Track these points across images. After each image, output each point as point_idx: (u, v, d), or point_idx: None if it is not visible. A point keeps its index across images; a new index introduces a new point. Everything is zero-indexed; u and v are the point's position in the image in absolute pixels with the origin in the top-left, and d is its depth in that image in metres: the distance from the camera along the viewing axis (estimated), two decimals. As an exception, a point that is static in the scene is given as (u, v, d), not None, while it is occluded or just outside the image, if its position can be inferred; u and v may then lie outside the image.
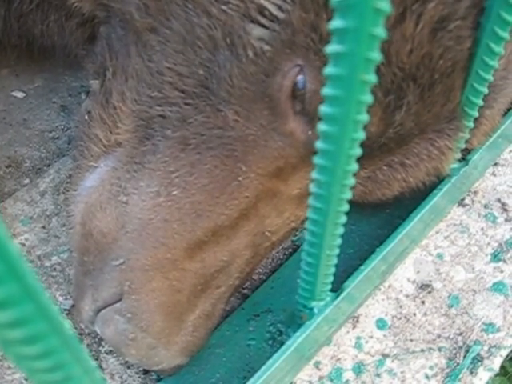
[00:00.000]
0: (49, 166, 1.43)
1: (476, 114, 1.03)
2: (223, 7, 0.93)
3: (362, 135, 0.65)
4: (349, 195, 0.74)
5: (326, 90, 0.60)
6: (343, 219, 0.79)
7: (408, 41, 0.88)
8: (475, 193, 1.36)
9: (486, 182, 1.38)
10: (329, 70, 0.58)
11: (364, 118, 0.63)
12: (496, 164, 1.41)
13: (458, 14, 0.88)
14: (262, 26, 0.91)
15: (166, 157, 0.99)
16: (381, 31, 0.54)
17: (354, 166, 0.69)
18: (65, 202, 1.28)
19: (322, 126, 0.64)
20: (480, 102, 1.00)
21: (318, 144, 0.67)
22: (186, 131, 0.98)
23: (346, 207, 0.76)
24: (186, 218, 0.97)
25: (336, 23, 0.54)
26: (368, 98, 0.61)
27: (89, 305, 1.00)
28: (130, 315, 0.93)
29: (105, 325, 0.97)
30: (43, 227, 1.29)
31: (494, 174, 1.39)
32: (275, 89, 0.93)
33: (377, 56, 0.56)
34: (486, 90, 0.99)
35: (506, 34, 0.90)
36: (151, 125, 1.02)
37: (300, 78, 0.91)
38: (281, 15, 0.89)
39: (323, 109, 0.62)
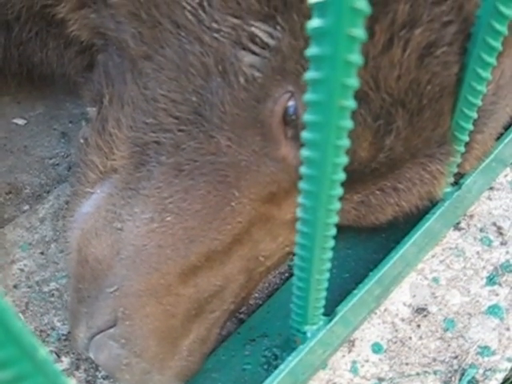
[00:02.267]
0: (49, 192, 1.44)
1: (466, 138, 1.04)
2: (215, 35, 0.95)
3: (344, 160, 0.66)
4: (335, 219, 0.75)
5: (307, 116, 0.61)
6: (331, 243, 0.80)
7: (396, 67, 0.89)
8: (471, 217, 1.36)
9: (482, 205, 1.39)
10: (308, 96, 0.59)
11: (345, 143, 0.63)
12: (491, 188, 1.42)
13: (444, 40, 0.90)
14: (253, 53, 0.93)
15: (160, 183, 1.01)
16: (356, 58, 0.55)
17: (339, 191, 0.70)
18: (63, 228, 1.28)
19: (304, 152, 0.65)
20: (470, 127, 1.02)
21: (302, 169, 0.68)
22: (180, 157, 1.00)
23: (332, 231, 0.77)
24: (179, 243, 0.98)
25: (312, 50, 0.55)
26: (348, 124, 0.62)
27: (84, 332, 1.01)
28: (123, 340, 0.94)
29: (99, 350, 0.97)
30: (42, 253, 1.31)
31: (489, 198, 1.40)
32: (267, 115, 0.94)
33: (354, 82, 0.57)
34: (475, 115, 1.00)
35: (492, 60, 0.91)
36: (146, 151, 1.03)
37: (291, 103, 0.93)
38: (271, 42, 0.91)
39: (305, 135, 0.63)
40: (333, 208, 0.72)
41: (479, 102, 0.98)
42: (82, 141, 1.16)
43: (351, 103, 0.60)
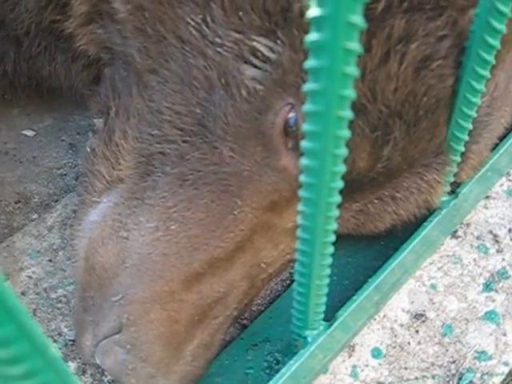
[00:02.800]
0: (56, 201, 1.46)
1: (462, 148, 1.05)
2: (218, 49, 0.96)
3: (342, 168, 0.67)
4: (334, 226, 0.76)
5: (306, 126, 0.63)
6: (330, 250, 0.81)
7: (393, 79, 0.90)
8: (468, 225, 1.37)
9: (478, 214, 1.40)
10: (307, 107, 0.61)
11: (343, 152, 0.65)
12: (488, 197, 1.43)
13: (439, 53, 0.91)
14: (255, 66, 0.94)
15: (165, 192, 1.02)
16: (353, 70, 0.57)
17: (337, 198, 0.71)
18: (71, 236, 1.30)
19: (303, 161, 0.66)
20: (466, 138, 1.03)
21: (302, 178, 0.69)
22: (184, 167, 1.01)
23: (332, 238, 0.78)
24: (183, 251, 0.99)
25: (310, 63, 0.57)
26: (345, 134, 0.63)
27: (90, 340, 1.01)
28: (129, 346, 0.95)
29: (105, 355, 0.98)
30: (50, 260, 1.32)
31: (485, 207, 1.41)
32: (268, 126, 0.96)
33: (350, 93, 0.59)
34: (470, 126, 1.01)
35: (486, 73, 0.92)
36: (151, 161, 1.04)
37: (291, 115, 0.94)
38: (272, 56, 0.93)
39: (304, 144, 0.65)
40: (332, 215, 0.73)
41: (474, 114, 0.99)
42: (89, 151, 1.17)
43: (348, 114, 0.61)
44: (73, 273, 1.29)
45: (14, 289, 1.26)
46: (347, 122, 0.63)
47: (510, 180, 1.47)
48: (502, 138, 1.30)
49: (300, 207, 0.74)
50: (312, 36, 0.56)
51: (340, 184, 0.70)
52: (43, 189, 1.50)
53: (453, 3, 0.91)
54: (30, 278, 1.28)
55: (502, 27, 0.86)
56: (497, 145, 1.29)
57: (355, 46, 0.55)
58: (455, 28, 0.92)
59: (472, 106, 0.97)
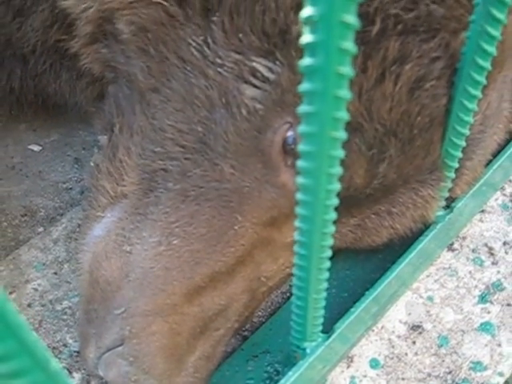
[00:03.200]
0: (62, 215, 1.47)
1: (456, 165, 1.06)
2: (219, 69, 0.98)
3: (336, 186, 0.69)
4: (330, 242, 0.77)
5: (301, 147, 0.65)
6: (327, 264, 0.82)
7: (388, 99, 0.92)
8: (464, 238, 1.39)
9: (474, 227, 1.41)
10: (302, 128, 0.63)
11: (337, 171, 0.66)
12: (483, 211, 1.44)
13: (433, 74, 0.93)
14: (255, 86, 0.96)
15: (168, 208, 1.03)
16: (345, 93, 0.58)
17: (332, 215, 0.73)
18: (76, 249, 1.31)
19: (299, 179, 0.68)
20: (459, 155, 1.04)
21: (298, 195, 0.71)
22: (186, 184, 1.02)
23: (328, 253, 0.80)
24: (185, 265, 1.00)
25: (304, 86, 0.59)
26: (339, 153, 0.65)
27: (93, 352, 1.02)
28: (132, 358, 0.96)
29: (108, 367, 1.00)
30: (55, 273, 1.33)
31: (481, 221, 1.42)
32: (267, 144, 0.97)
33: (344, 115, 0.60)
34: (464, 143, 1.02)
35: (477, 93, 0.94)
36: (154, 178, 1.06)
37: (290, 134, 0.96)
38: (271, 76, 0.94)
39: (300, 163, 0.67)
40: (327, 231, 0.75)
41: (467, 132, 1.00)
42: (93, 167, 1.19)
43: (342, 134, 0.63)
44: (78, 285, 1.30)
45: (20, 301, 1.28)
46: (341, 142, 0.64)
47: (504, 194, 1.48)
48: (496, 154, 1.32)
49: (297, 224, 0.76)
50: (306, 61, 0.58)
51: (335, 201, 0.71)
52: (49, 202, 1.51)
53: (445, 26, 0.93)
54: (36, 290, 1.30)
55: (492, 50, 0.88)
56: (491, 160, 1.30)
57: (347, 70, 0.57)
58: (448, 50, 0.94)
59: (465, 124, 0.98)
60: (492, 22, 0.85)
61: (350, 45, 0.56)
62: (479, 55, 0.89)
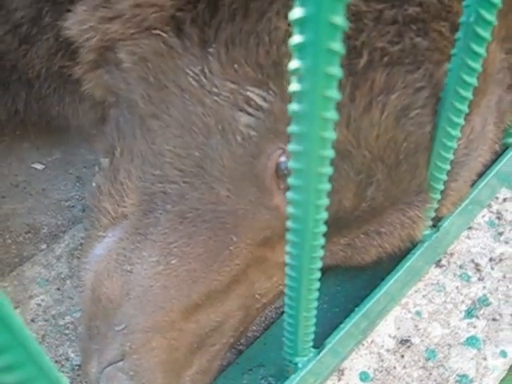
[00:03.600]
0: (64, 232, 1.50)
1: (442, 187, 1.10)
2: (215, 98, 1.01)
3: (324, 215, 0.72)
4: (319, 264, 0.81)
5: (290, 180, 0.68)
6: (316, 285, 0.86)
7: (375, 127, 0.96)
8: (451, 254, 1.42)
9: (461, 244, 1.44)
10: (291, 147, 0.66)
11: (325, 202, 0.70)
12: (470, 228, 1.47)
13: (418, 103, 0.97)
14: (249, 114, 0.99)
15: (166, 229, 1.06)
16: (332, 114, 0.61)
17: (321, 241, 0.76)
18: (78, 266, 1.34)
19: (289, 209, 0.72)
20: (444, 177, 1.07)
21: (288, 223, 0.74)
22: (184, 206, 1.05)
23: (317, 275, 0.83)
24: (183, 283, 1.03)
25: (293, 107, 0.63)
26: (326, 186, 0.69)
27: (95, 367, 1.05)
28: (132, 373, 0.99)
29: (109, 382, 1.02)
30: (58, 289, 1.36)
31: (468, 237, 1.45)
32: (261, 169, 1.01)
33: (331, 135, 0.63)
34: (448, 167, 1.06)
35: (460, 120, 0.98)
36: (154, 200, 1.09)
37: (282, 159, 0.99)
38: (265, 105, 0.98)
39: (289, 195, 0.70)
40: (316, 255, 0.78)
41: (451, 156, 1.04)
42: (95, 187, 1.22)
43: (330, 152, 0.66)
44: (79, 301, 1.33)
45: (24, 316, 1.31)
46: (329, 159, 0.68)
47: (491, 211, 1.51)
48: (483, 173, 1.35)
49: (287, 248, 0.79)
50: (293, 86, 0.61)
51: (323, 229, 0.75)
52: (52, 220, 1.54)
53: (429, 57, 0.97)
54: (39, 305, 1.33)
55: (473, 81, 0.91)
56: (478, 178, 1.33)
57: (333, 93, 0.60)
58: (432, 80, 0.97)
59: (449, 149, 1.02)
60: (472, 56, 0.88)
61: (336, 70, 0.59)
62: (461, 86, 0.92)
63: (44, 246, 1.49)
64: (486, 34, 0.85)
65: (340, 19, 0.54)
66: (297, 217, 0.72)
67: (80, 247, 1.43)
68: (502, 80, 1.18)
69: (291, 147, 0.66)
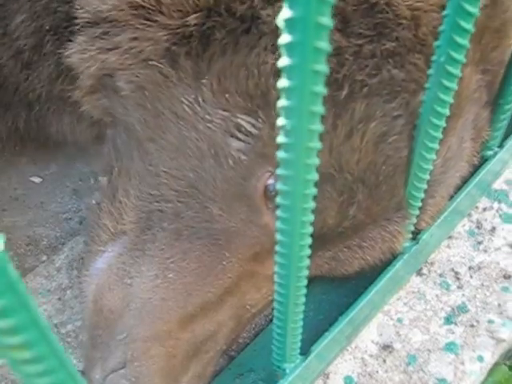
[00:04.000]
0: (63, 244, 1.59)
1: (419, 204, 1.19)
2: (208, 124, 1.11)
3: (309, 230, 0.81)
4: (305, 273, 0.90)
5: (279, 199, 0.78)
6: (302, 300, 0.96)
7: (356, 152, 1.05)
8: (431, 263, 1.50)
9: (442, 253, 1.52)
10: (280, 171, 0.75)
11: (309, 218, 0.79)
12: (450, 237, 1.55)
13: (395, 130, 1.07)
14: (240, 140, 1.08)
15: (163, 245, 1.15)
16: (316, 144, 0.70)
17: (307, 252, 0.85)
18: (77, 277, 1.43)
19: (278, 224, 0.81)
20: (422, 195, 1.16)
21: (277, 236, 0.83)
22: (180, 224, 1.15)
23: (304, 282, 0.92)
24: (179, 296, 1.13)
25: (280, 139, 0.72)
26: (311, 218, 0.78)
27: (99, 374, 1.14)
28: (133, 379, 1.08)
29: None
30: (59, 299, 1.45)
31: (448, 247, 1.54)
32: (251, 190, 1.10)
33: (315, 161, 0.72)
34: (425, 186, 1.15)
35: (435, 145, 1.07)
36: (151, 217, 1.18)
37: (271, 181, 1.08)
38: (254, 131, 1.07)
39: (277, 212, 0.80)
40: (303, 265, 0.86)
41: (428, 177, 1.13)
42: (95, 205, 1.31)
43: (315, 176, 0.74)
44: (80, 309, 1.41)
45: None
46: (312, 197, 0.77)
47: (471, 221, 1.60)
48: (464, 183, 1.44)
49: (275, 268, 0.89)
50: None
51: (308, 241, 0.83)
52: (51, 232, 1.63)
53: (405, 88, 1.06)
54: (42, 314, 1.41)
55: (445, 111, 1.01)
56: (459, 188, 1.42)
57: (317, 127, 0.68)
58: (408, 108, 1.07)
59: (425, 170, 1.11)
60: (444, 90, 0.98)
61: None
62: (434, 116, 1.02)
63: (44, 258, 1.57)
64: (456, 71, 0.95)
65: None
66: (285, 231, 0.81)
67: (79, 259, 1.52)
68: (479, 98, 1.28)
69: (279, 171, 0.75)
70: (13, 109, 1.54)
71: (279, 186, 0.77)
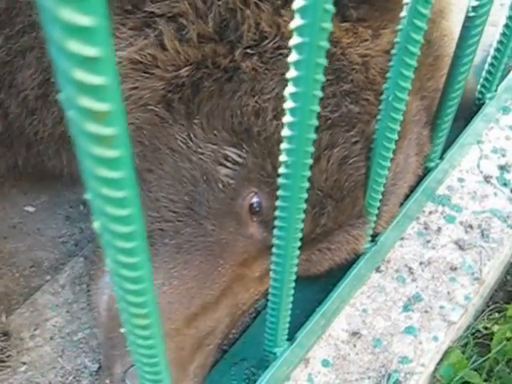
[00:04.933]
0: (63, 264, 1.80)
1: (376, 211, 1.44)
2: (200, 156, 1.33)
3: (300, 235, 1.10)
4: (294, 277, 1.17)
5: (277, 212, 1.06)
6: (292, 292, 1.22)
7: (323, 173, 1.31)
8: (388, 261, 1.74)
9: (396, 252, 1.76)
10: (280, 192, 1.02)
11: (299, 235, 1.08)
12: (403, 238, 1.79)
13: (354, 153, 1.32)
14: (227, 167, 1.32)
15: (166, 258, 1.37)
16: (307, 173, 0.98)
17: (296, 261, 1.14)
18: (87, 292, 1.65)
19: (275, 232, 1.09)
20: (378, 204, 1.42)
21: (274, 241, 1.11)
22: (179, 239, 1.37)
23: (293, 285, 1.20)
24: (183, 299, 1.35)
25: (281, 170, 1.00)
26: (303, 206, 1.07)
27: (120, 368, 1.35)
28: None
29: (133, 378, 1.32)
30: (67, 311, 1.67)
31: (401, 246, 1.78)
32: (238, 208, 1.34)
33: (306, 185, 1.00)
34: (380, 197, 1.40)
35: (387, 163, 1.33)
36: (153, 235, 1.38)
37: (255, 199, 1.33)
38: (239, 160, 1.31)
39: (275, 223, 1.08)
40: (294, 263, 1.15)
41: (382, 189, 1.38)
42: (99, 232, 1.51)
43: (305, 195, 1.02)
44: (87, 319, 1.64)
45: (43, 335, 1.62)
46: (303, 210, 1.05)
47: (419, 223, 1.84)
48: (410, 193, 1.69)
49: (273, 258, 1.15)
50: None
51: (299, 244, 1.12)
52: (50, 254, 1.84)
53: (360, 119, 1.32)
54: (55, 326, 1.63)
55: (394, 136, 1.28)
56: (407, 196, 1.66)
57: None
58: (364, 135, 1.33)
59: (379, 184, 1.37)
60: (392, 120, 1.26)
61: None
62: (385, 140, 1.29)
63: (48, 277, 1.77)
64: (401, 106, 1.23)
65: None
66: (281, 237, 1.09)
67: (80, 276, 1.74)
68: (420, 120, 1.54)
69: (280, 192, 1.02)
70: (14, 147, 1.68)
71: (278, 203, 1.04)
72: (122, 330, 0.86)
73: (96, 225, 0.61)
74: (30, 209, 1.98)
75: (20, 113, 1.58)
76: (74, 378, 1.57)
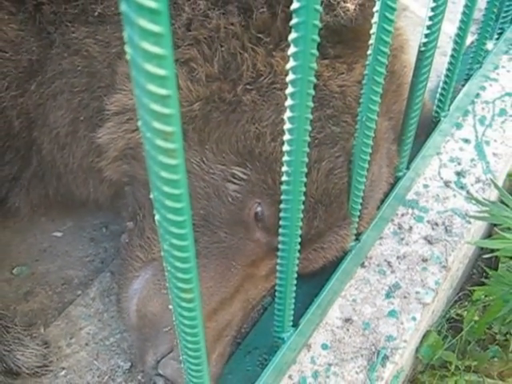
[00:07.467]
0: (91, 279, 1.91)
1: (358, 213, 1.59)
2: (212, 176, 1.48)
3: (299, 239, 1.25)
4: (296, 271, 1.32)
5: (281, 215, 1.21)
6: (295, 282, 1.36)
7: (314, 183, 1.45)
8: (370, 258, 1.88)
9: (376, 250, 1.91)
10: (283, 196, 1.17)
11: (299, 231, 1.23)
12: (381, 238, 1.94)
13: (338, 165, 1.47)
14: (235, 183, 1.46)
15: None
16: (303, 179, 1.15)
17: (297, 256, 1.28)
18: (117, 300, 1.73)
19: (280, 236, 1.24)
20: (359, 207, 1.57)
21: (280, 242, 1.26)
22: (198, 247, 1.48)
23: (295, 275, 1.34)
24: (204, 297, 1.46)
25: (283, 178, 1.15)
26: (300, 215, 1.22)
27: (152, 357, 1.46)
28: (180, 358, 1.36)
29: (165, 368, 1.44)
30: (99, 320, 1.78)
31: (380, 244, 1.93)
32: (245, 217, 1.49)
33: (302, 197, 1.17)
34: (361, 201, 1.55)
35: (364, 173, 1.48)
36: None
37: (259, 209, 1.47)
38: (245, 177, 1.45)
39: (280, 230, 1.22)
40: (296, 259, 1.30)
41: (362, 194, 1.53)
42: (125, 243, 1.63)
43: (302, 200, 1.19)
44: (117, 326, 1.76)
45: (79, 342, 1.72)
46: (300, 218, 1.21)
47: (394, 224, 1.99)
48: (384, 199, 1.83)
49: (279, 253, 1.29)
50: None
51: (299, 246, 1.27)
52: (79, 272, 1.95)
53: (342, 137, 1.47)
54: (88, 333, 1.75)
55: (369, 150, 1.43)
56: (382, 201, 1.80)
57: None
58: (345, 150, 1.47)
59: (360, 190, 1.52)
60: (366, 137, 1.41)
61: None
62: (362, 154, 1.45)
63: (79, 292, 1.88)
64: (372, 125, 1.39)
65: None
66: (286, 234, 1.24)
67: (108, 289, 1.85)
68: (389, 137, 1.69)
69: (283, 197, 1.17)
70: (46, 179, 1.79)
71: (282, 205, 1.19)
72: (170, 307, 1.00)
73: (157, 217, 0.78)
74: (58, 234, 2.10)
75: (52, 148, 1.71)
76: (110, 377, 1.67)
